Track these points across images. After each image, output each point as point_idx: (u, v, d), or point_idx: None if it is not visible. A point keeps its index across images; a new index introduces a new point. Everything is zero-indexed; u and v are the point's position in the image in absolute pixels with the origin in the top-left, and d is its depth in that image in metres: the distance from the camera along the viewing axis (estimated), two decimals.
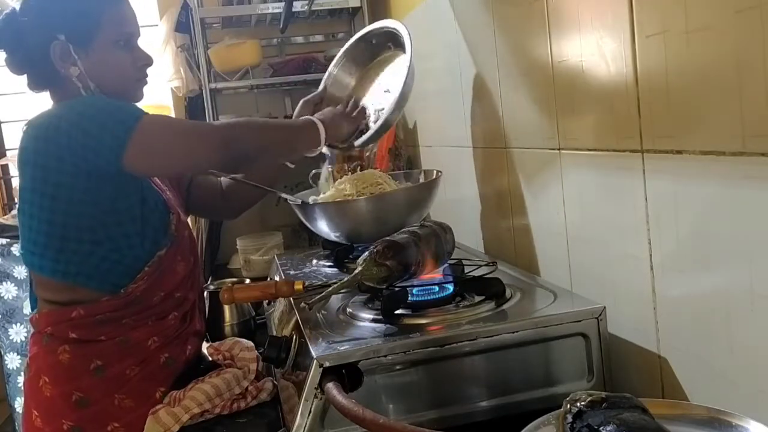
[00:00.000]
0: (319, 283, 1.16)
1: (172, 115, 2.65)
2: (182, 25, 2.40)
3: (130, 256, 1.17)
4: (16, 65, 1.22)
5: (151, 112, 1.17)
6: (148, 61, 1.26)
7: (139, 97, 1.29)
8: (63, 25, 1.17)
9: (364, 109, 1.42)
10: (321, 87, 1.51)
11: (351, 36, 1.79)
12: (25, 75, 1.23)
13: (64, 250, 1.14)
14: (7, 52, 1.21)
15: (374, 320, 0.95)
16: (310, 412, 0.83)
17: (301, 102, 1.46)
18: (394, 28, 1.40)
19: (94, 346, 1.16)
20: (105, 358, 1.15)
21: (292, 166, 1.39)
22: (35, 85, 1.24)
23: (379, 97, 1.46)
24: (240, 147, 1.17)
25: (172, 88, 2.47)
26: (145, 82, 1.29)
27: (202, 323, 1.33)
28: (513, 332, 0.88)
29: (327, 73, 1.53)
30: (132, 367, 1.16)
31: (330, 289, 0.96)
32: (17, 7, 1.20)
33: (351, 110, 1.39)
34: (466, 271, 1.09)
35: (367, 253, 0.98)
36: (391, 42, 1.45)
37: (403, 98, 1.31)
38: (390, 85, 1.44)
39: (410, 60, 1.31)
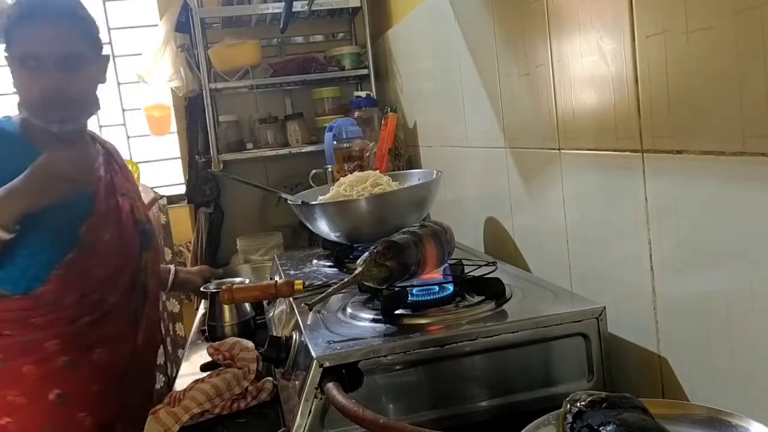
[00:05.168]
0: (319, 283, 1.16)
1: (173, 114, 2.65)
2: (182, 25, 2.39)
3: (34, 264, 1.20)
4: None
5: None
6: (50, 94, 1.18)
7: (53, 127, 1.23)
8: (1, 34, 1.21)
9: None
10: None
11: (351, 36, 1.77)
12: None
13: None
14: None
15: (374, 320, 0.95)
16: (310, 412, 0.83)
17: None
18: None
19: None
20: (5, 352, 1.18)
21: None
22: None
23: None
24: None
25: (172, 88, 2.47)
26: (59, 113, 1.21)
27: (134, 328, 1.34)
28: (513, 332, 0.88)
29: None
30: (29, 365, 1.18)
31: (330, 289, 0.96)
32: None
33: None
34: (466, 271, 1.09)
35: (367, 253, 0.97)
36: None
37: None
38: None
39: None
